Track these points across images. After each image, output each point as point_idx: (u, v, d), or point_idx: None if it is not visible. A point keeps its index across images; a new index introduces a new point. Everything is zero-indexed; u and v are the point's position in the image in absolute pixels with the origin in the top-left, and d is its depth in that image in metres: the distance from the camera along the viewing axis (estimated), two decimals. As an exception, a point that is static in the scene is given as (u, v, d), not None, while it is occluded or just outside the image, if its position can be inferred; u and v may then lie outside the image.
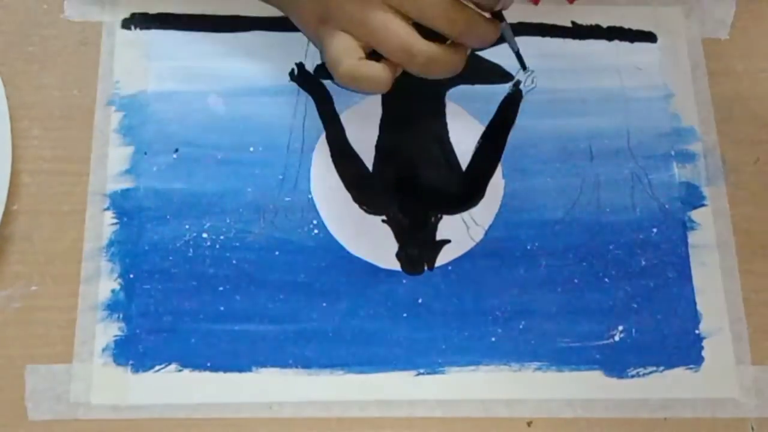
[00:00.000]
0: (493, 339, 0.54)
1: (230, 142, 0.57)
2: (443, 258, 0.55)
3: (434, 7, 0.51)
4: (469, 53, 0.55)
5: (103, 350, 0.52)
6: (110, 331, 0.52)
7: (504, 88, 0.60)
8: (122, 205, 0.55)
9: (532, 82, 0.60)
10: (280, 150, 0.57)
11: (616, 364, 0.54)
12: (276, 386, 0.52)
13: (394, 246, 0.55)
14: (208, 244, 0.54)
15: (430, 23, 0.52)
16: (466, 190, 0.57)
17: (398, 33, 0.52)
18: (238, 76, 0.58)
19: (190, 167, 0.56)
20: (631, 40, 0.62)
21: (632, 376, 0.53)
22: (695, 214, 0.57)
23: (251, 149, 0.57)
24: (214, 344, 0.52)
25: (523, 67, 0.58)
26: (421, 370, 0.53)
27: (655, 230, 0.57)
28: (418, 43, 0.52)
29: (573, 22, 0.62)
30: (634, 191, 0.58)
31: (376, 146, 0.58)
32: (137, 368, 0.52)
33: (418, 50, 0.52)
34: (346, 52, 0.52)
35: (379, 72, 0.52)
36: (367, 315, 0.54)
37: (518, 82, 0.60)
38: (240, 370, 0.52)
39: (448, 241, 0.56)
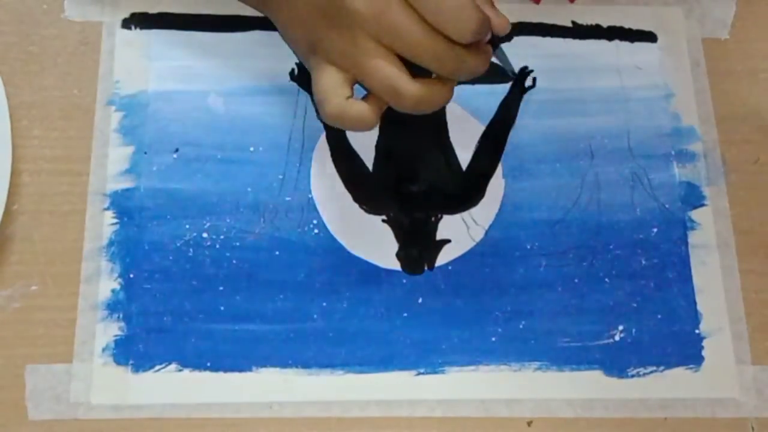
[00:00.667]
0: (493, 339, 0.54)
1: (230, 142, 0.57)
2: (443, 258, 0.55)
3: (422, 46, 0.50)
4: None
5: (103, 350, 0.52)
6: (110, 330, 0.52)
7: (504, 88, 0.60)
8: (122, 204, 0.55)
9: (533, 81, 0.60)
10: (280, 150, 0.57)
11: (616, 363, 0.54)
12: (276, 386, 0.52)
13: (394, 246, 0.55)
14: (209, 243, 0.54)
15: (418, 62, 0.51)
16: (466, 189, 0.57)
17: (386, 72, 0.50)
18: (238, 76, 0.58)
19: (191, 167, 0.56)
20: (632, 40, 0.62)
21: (632, 376, 0.53)
22: (695, 214, 0.57)
23: (251, 149, 0.57)
24: (214, 344, 0.52)
25: (517, 78, 0.57)
26: (421, 370, 0.53)
27: (655, 230, 0.57)
28: (406, 84, 0.50)
29: (573, 22, 0.62)
30: (635, 191, 0.58)
31: (376, 146, 0.58)
32: (137, 368, 0.52)
33: (405, 91, 0.50)
34: (333, 90, 0.51)
35: (365, 113, 0.51)
36: (367, 315, 0.54)
37: (519, 80, 0.60)
38: (240, 369, 0.52)
39: (448, 241, 0.56)
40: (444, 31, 0.49)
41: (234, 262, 0.54)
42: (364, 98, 0.52)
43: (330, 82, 0.52)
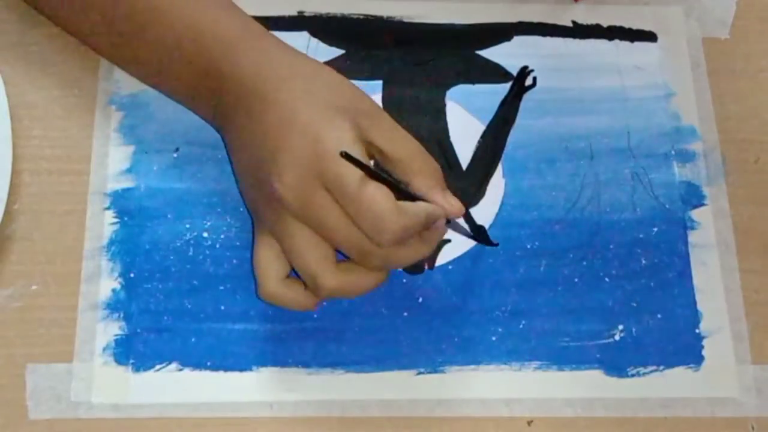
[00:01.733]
0: (494, 338, 0.54)
1: (231, 142, 0.57)
2: (443, 257, 0.55)
3: (346, 242, 0.47)
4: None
5: (104, 349, 0.52)
6: (111, 330, 0.52)
7: (504, 88, 0.60)
8: (123, 204, 0.55)
9: (533, 81, 0.60)
10: (280, 149, 0.57)
11: (617, 363, 0.54)
12: (276, 385, 0.52)
13: (394, 245, 0.55)
14: (209, 243, 0.54)
15: (343, 252, 0.48)
16: (467, 189, 0.57)
17: (307, 259, 0.48)
18: (238, 76, 0.58)
19: (191, 166, 0.56)
20: (632, 40, 0.62)
21: (632, 376, 0.53)
22: (695, 214, 0.57)
23: (252, 148, 0.57)
24: (215, 343, 0.52)
25: (489, 242, 0.55)
26: (422, 370, 0.53)
27: (655, 229, 0.57)
28: (325, 276, 0.48)
29: (573, 22, 0.62)
30: (635, 190, 0.58)
31: (377, 146, 0.58)
32: (138, 367, 0.52)
33: (322, 284, 0.48)
34: (268, 268, 0.49)
35: (300, 300, 0.50)
36: (367, 314, 0.54)
37: (519, 81, 0.60)
38: (240, 369, 0.52)
39: (448, 241, 0.56)
40: (365, 233, 0.47)
41: (234, 261, 0.54)
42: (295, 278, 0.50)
43: (266, 256, 0.49)
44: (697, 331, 0.55)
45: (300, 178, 0.47)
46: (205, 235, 0.54)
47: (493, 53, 0.60)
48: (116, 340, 0.52)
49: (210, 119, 0.54)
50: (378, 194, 0.46)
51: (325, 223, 0.47)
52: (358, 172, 0.46)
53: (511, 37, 0.61)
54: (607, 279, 0.55)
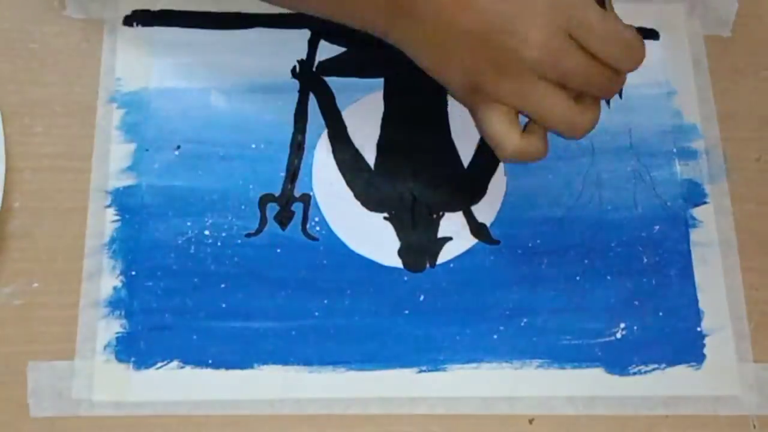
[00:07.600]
0: (495, 336, 0.54)
1: (232, 139, 0.57)
2: (445, 255, 0.55)
3: (594, 81, 0.50)
4: None
5: (105, 347, 0.52)
6: (112, 328, 0.52)
7: (506, 86, 0.59)
8: (124, 202, 0.55)
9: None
10: (281, 147, 0.57)
11: (618, 361, 0.54)
12: (277, 383, 0.52)
13: (395, 243, 0.55)
14: (210, 241, 0.54)
15: (585, 91, 0.51)
16: (468, 187, 0.57)
17: (561, 109, 0.50)
18: (240, 73, 0.58)
19: (192, 164, 0.56)
20: (633, 37, 0.62)
21: (634, 374, 0.53)
22: (697, 212, 0.57)
23: (253, 146, 0.57)
24: (216, 341, 0.52)
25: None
26: (423, 368, 0.53)
27: (656, 228, 0.57)
28: (581, 116, 0.50)
29: (575, 20, 0.62)
30: (636, 189, 0.58)
31: (378, 143, 0.58)
32: (139, 365, 0.52)
33: (580, 122, 0.50)
34: (506, 134, 0.50)
35: (541, 149, 0.51)
36: (368, 312, 0.54)
37: None
38: (241, 367, 0.52)
39: (449, 239, 0.56)
40: (616, 65, 0.49)
41: (235, 259, 0.54)
42: (527, 129, 0.51)
43: (501, 125, 0.50)
44: (698, 329, 0.55)
45: (548, 32, 0.48)
46: (207, 233, 0.54)
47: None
48: (117, 338, 0.52)
49: (380, 23, 0.53)
50: (620, 22, 0.49)
51: (577, 72, 0.49)
52: (597, 9, 0.48)
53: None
54: (608, 277, 0.55)
